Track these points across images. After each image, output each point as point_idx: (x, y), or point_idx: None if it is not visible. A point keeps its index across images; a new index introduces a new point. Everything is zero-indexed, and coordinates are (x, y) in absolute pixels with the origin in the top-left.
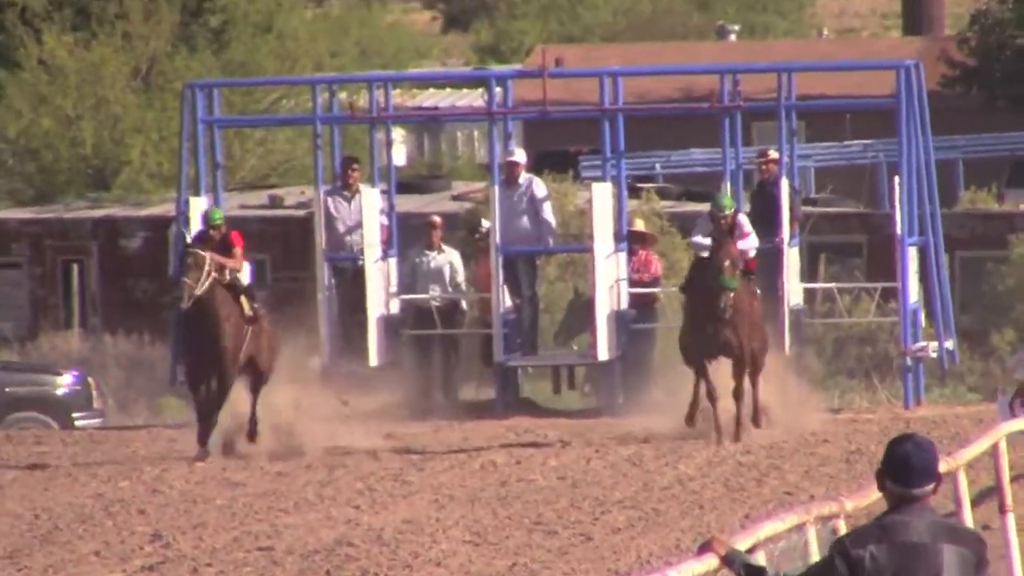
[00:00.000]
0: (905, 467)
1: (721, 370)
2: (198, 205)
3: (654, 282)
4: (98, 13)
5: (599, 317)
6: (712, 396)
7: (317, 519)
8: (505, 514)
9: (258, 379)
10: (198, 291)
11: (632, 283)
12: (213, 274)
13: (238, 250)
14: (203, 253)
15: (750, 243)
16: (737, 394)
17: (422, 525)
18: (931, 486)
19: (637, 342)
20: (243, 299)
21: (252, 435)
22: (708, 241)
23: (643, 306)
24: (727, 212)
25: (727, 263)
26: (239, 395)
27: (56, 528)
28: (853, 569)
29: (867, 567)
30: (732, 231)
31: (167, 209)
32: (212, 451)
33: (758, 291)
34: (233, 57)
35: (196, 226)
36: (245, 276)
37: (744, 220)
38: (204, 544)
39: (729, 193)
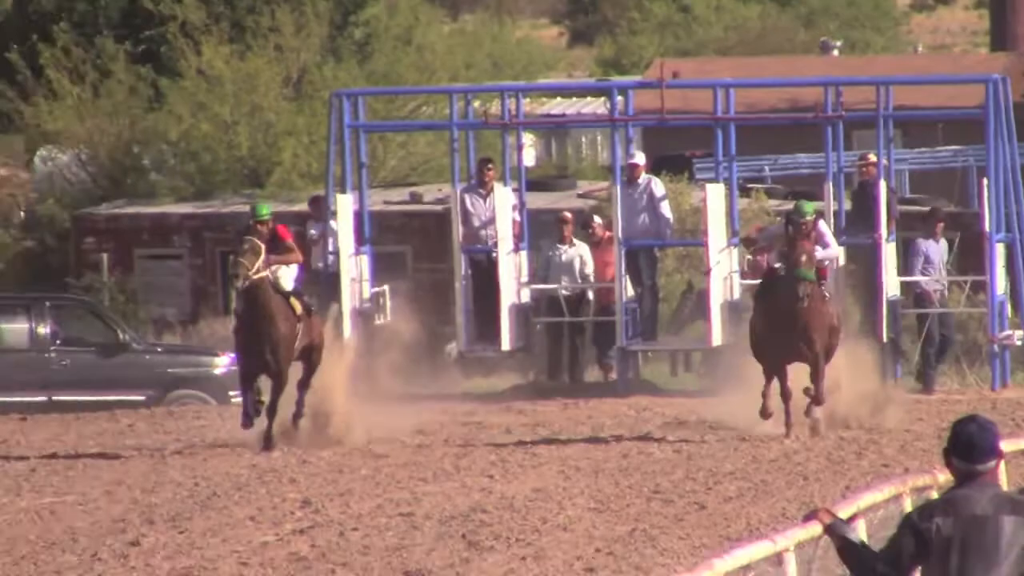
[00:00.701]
0: (969, 446)
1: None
2: (344, 202)
3: None
4: (252, 27)
5: (713, 306)
6: (785, 396)
7: (453, 488)
8: (626, 484)
9: (308, 372)
10: (253, 274)
11: (743, 275)
12: (265, 272)
13: (291, 243)
14: (259, 241)
15: (830, 253)
16: (814, 395)
17: (550, 493)
18: (993, 462)
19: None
20: (292, 300)
21: (296, 421)
22: (778, 229)
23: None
24: (808, 218)
25: (804, 258)
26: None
27: (214, 495)
28: (921, 540)
29: (933, 538)
30: (810, 235)
31: None
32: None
33: (827, 295)
34: (376, 68)
35: (344, 221)
36: (289, 282)
37: (825, 229)
38: (350, 510)
39: (811, 203)
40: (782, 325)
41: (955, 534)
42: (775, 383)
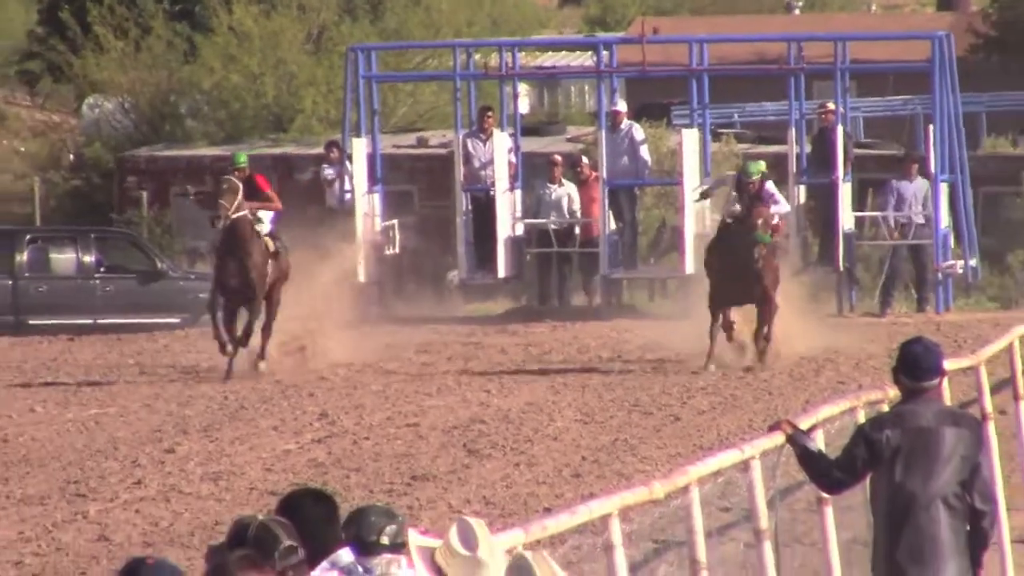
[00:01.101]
0: (915, 365)
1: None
2: (359, 145)
3: None
4: None
5: (687, 239)
6: (727, 327)
7: (455, 401)
8: (608, 398)
9: (270, 313)
10: (232, 213)
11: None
12: (244, 211)
13: (268, 192)
14: (236, 181)
15: (780, 209)
16: (758, 335)
17: (541, 407)
18: (936, 380)
19: None
20: (266, 239)
21: (258, 361)
22: (737, 207)
23: None
24: (754, 178)
25: (760, 221)
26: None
27: (242, 408)
28: (872, 449)
29: (883, 447)
30: (760, 196)
31: None
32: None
33: (777, 250)
34: (388, 26)
35: (359, 162)
36: (265, 226)
37: (772, 187)
38: (363, 421)
39: (759, 162)
40: (735, 276)
41: (902, 444)
42: (719, 324)
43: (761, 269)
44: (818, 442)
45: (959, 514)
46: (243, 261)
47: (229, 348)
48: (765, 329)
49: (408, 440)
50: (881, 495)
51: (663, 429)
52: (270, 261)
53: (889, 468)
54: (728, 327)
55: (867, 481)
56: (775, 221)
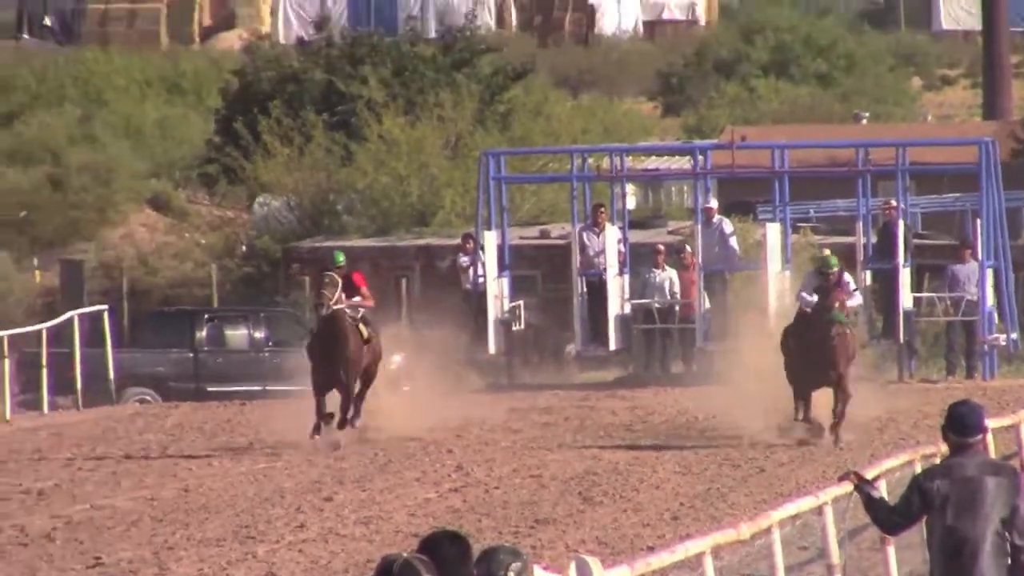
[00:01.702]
0: (961, 423)
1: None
2: (490, 237)
3: None
4: (421, 103)
5: (771, 318)
6: (807, 419)
7: (572, 456)
8: (704, 452)
9: (365, 386)
10: (334, 304)
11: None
12: (343, 304)
13: (365, 289)
14: (336, 276)
15: (856, 301)
16: (836, 413)
17: (645, 460)
18: (980, 436)
19: None
20: (360, 326)
21: (353, 422)
22: (813, 297)
23: None
24: (833, 270)
25: (836, 304)
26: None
27: (389, 462)
28: (924, 496)
29: (934, 495)
30: (840, 284)
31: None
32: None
33: (850, 332)
34: (515, 133)
35: (490, 251)
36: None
37: (849, 279)
38: (493, 473)
39: (834, 258)
40: (814, 357)
41: (951, 492)
42: (802, 406)
43: (836, 347)
44: (881, 490)
45: (1001, 550)
46: (341, 351)
47: (321, 431)
48: (839, 407)
49: (531, 489)
50: (935, 536)
51: (749, 479)
52: (364, 347)
53: (941, 513)
54: (808, 418)
55: (923, 523)
56: (851, 305)
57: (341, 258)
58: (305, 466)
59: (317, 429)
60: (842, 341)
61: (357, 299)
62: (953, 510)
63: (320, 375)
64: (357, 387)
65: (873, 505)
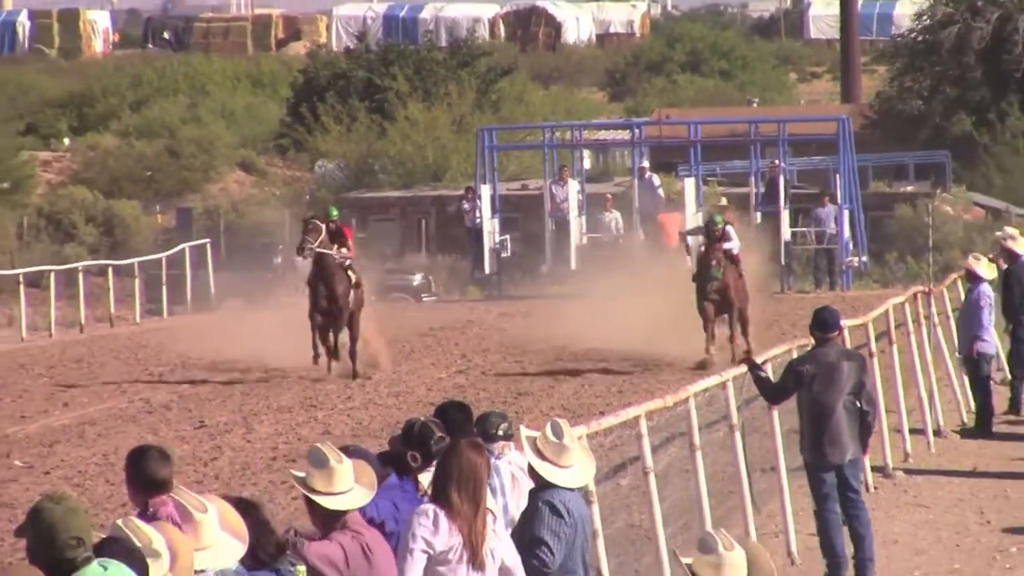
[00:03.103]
0: (824, 323)
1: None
2: (485, 190)
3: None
4: (434, 92)
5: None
6: (709, 345)
7: (545, 347)
8: (636, 354)
9: (355, 325)
10: (316, 247)
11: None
12: (335, 248)
13: (350, 241)
14: (319, 222)
15: (733, 244)
16: (732, 339)
17: (599, 349)
18: (836, 332)
19: None
20: (348, 272)
21: (354, 371)
22: (697, 239)
23: None
24: (718, 226)
25: (714, 262)
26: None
27: (413, 351)
28: (798, 376)
29: (804, 375)
30: (721, 238)
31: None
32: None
33: (742, 272)
34: (503, 115)
35: (485, 200)
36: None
37: (730, 230)
38: (488, 359)
39: (720, 215)
40: (708, 296)
41: (816, 372)
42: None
43: (724, 294)
44: (768, 371)
45: (854, 414)
46: (331, 288)
47: (321, 358)
48: (739, 332)
49: (515, 371)
50: (804, 405)
51: (675, 364)
52: (352, 291)
53: (808, 388)
54: (710, 342)
55: (795, 396)
56: (734, 252)
57: (335, 212)
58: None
59: (317, 357)
60: (732, 278)
61: (343, 251)
62: (818, 386)
63: (315, 311)
64: (346, 333)
65: (761, 383)
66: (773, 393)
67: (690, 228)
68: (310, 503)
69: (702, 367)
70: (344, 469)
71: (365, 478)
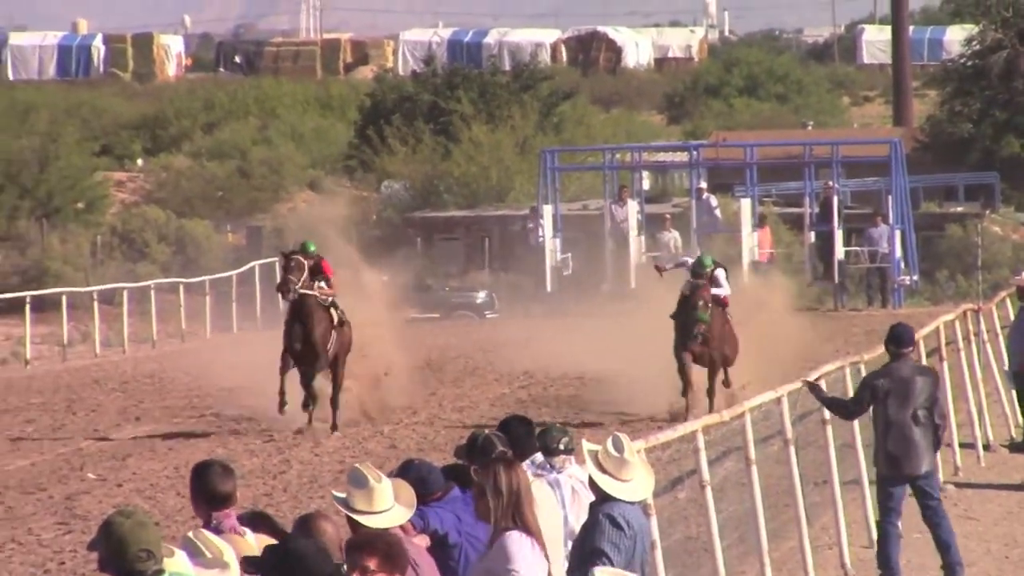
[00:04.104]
0: (899, 338)
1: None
2: (547, 210)
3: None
4: (498, 115)
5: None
6: (686, 391)
7: (604, 363)
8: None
9: (338, 372)
10: (299, 287)
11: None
12: (315, 286)
13: (333, 279)
14: (302, 259)
15: (723, 290)
16: (710, 392)
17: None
18: (911, 348)
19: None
20: (332, 310)
21: (334, 426)
22: (685, 272)
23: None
24: (707, 270)
25: (700, 303)
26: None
27: (477, 367)
28: (873, 392)
29: (879, 390)
30: (710, 281)
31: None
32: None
33: (729, 318)
34: (564, 137)
35: (547, 219)
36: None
37: (720, 274)
38: (549, 375)
39: (709, 257)
40: (689, 339)
41: (891, 388)
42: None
43: (707, 340)
44: (823, 387)
45: (928, 428)
46: (308, 328)
47: (285, 408)
48: (720, 379)
49: (576, 387)
50: (880, 419)
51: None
52: (333, 331)
53: (884, 402)
54: (688, 390)
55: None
56: (722, 296)
57: (312, 246)
58: (415, 371)
59: (283, 406)
60: (717, 325)
61: (323, 286)
62: (893, 400)
63: (288, 355)
64: (328, 377)
65: (832, 403)
66: (849, 410)
67: (674, 264)
68: (352, 523)
69: (675, 419)
70: (383, 488)
71: (404, 496)
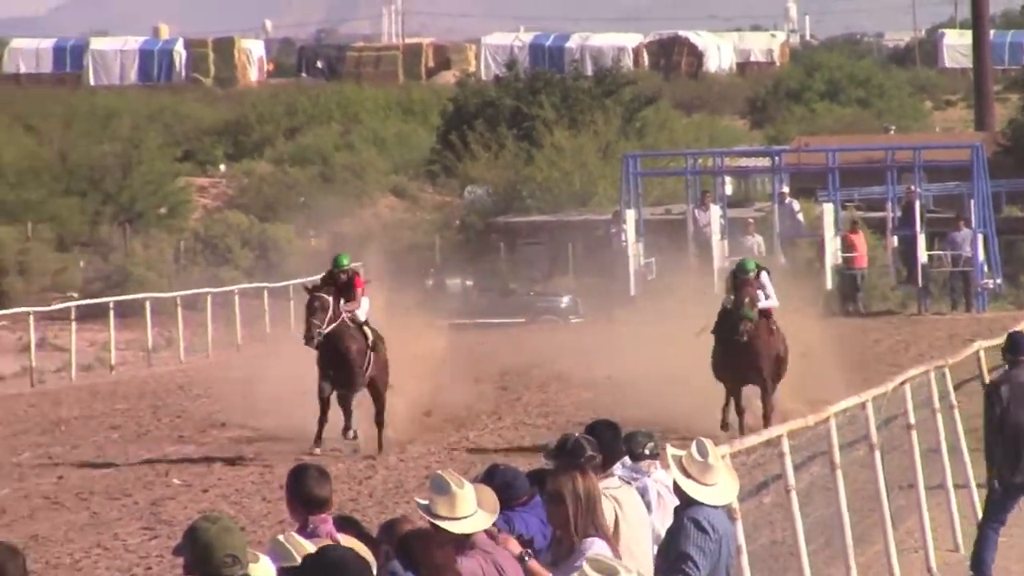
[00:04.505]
0: (1016, 344)
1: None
2: (630, 215)
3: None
4: (581, 120)
5: (827, 269)
6: (739, 412)
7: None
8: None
9: (378, 395)
10: (324, 330)
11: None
12: (342, 315)
13: (359, 291)
14: (327, 297)
15: (771, 303)
16: (765, 413)
17: None
18: None
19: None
20: (365, 329)
21: (380, 444)
22: (733, 297)
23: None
24: (750, 275)
25: (747, 300)
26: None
27: (562, 372)
28: (999, 398)
29: (1002, 396)
30: (754, 284)
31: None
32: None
33: (775, 328)
34: (647, 142)
35: (630, 223)
36: (363, 314)
37: (765, 279)
38: (638, 379)
39: (752, 261)
40: (734, 355)
41: (1011, 393)
42: (731, 400)
43: (754, 355)
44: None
45: None
46: (344, 347)
47: (319, 447)
48: (766, 405)
49: (664, 392)
50: (994, 422)
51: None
52: (370, 353)
53: (1006, 408)
54: (740, 413)
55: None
56: (767, 306)
57: (345, 260)
58: (497, 376)
59: (319, 441)
60: (758, 337)
61: (350, 304)
62: (1014, 406)
63: (324, 377)
64: (364, 394)
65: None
66: (991, 423)
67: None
68: (436, 529)
69: (724, 428)
70: (466, 494)
71: (487, 502)
